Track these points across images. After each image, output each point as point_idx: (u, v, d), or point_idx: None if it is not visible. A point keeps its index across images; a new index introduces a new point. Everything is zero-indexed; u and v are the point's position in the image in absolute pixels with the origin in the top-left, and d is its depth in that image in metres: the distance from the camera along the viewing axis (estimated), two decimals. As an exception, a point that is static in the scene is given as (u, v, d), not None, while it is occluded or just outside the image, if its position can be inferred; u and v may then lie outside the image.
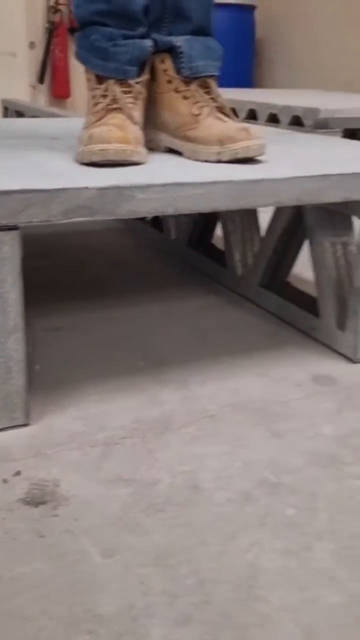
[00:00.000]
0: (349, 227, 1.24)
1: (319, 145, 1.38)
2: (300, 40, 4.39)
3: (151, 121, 1.22)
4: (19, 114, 3.27)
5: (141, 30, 1.14)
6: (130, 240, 1.93)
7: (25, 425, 0.96)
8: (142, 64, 1.15)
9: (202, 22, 1.18)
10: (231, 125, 1.12)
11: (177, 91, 1.18)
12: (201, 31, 1.18)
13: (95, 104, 1.13)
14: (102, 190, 0.90)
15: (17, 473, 0.85)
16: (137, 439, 0.94)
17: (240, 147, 1.09)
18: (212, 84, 1.18)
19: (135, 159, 1.04)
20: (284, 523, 0.78)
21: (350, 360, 1.19)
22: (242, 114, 2.66)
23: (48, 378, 1.10)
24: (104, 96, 1.13)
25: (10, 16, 4.62)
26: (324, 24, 4.19)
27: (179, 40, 1.16)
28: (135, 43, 1.13)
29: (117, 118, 1.09)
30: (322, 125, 2.33)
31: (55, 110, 2.99)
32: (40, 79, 4.81)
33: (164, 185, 0.93)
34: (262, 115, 2.56)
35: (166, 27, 1.17)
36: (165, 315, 1.39)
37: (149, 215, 0.94)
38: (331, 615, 0.65)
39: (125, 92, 1.13)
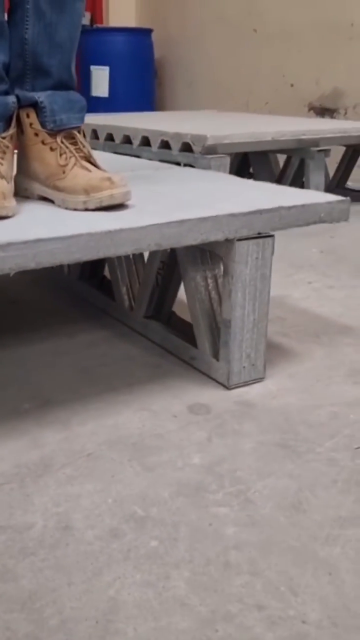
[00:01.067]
0: (218, 260, 1.32)
1: (188, 183, 1.46)
2: (198, 61, 4.53)
3: (24, 171, 1.28)
4: None
5: (3, 86, 1.19)
6: (25, 275, 1.96)
7: None
8: (8, 119, 1.20)
9: (63, 77, 1.24)
10: (96, 175, 1.18)
11: (44, 143, 1.23)
12: (62, 85, 1.24)
13: None
14: None
15: None
16: (15, 484, 0.98)
17: (104, 196, 1.16)
18: (77, 134, 1.24)
19: (2, 214, 1.09)
20: (146, 555, 0.84)
21: (226, 387, 1.27)
22: (136, 141, 2.74)
23: None
24: (-29, 152, 1.17)
25: None
26: (220, 45, 4.34)
27: (40, 96, 1.22)
28: (-3, 100, 1.18)
29: (-16, 174, 1.14)
30: (211, 151, 2.43)
31: None
32: None
33: (25, 242, 0.98)
34: (155, 142, 2.65)
35: (28, 82, 1.23)
36: (54, 354, 1.44)
37: (12, 272, 0.99)
38: (180, 640, 0.72)
39: (-8, 148, 1.18)
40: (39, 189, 1.26)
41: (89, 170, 1.20)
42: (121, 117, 3.33)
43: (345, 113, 3.67)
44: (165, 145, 2.62)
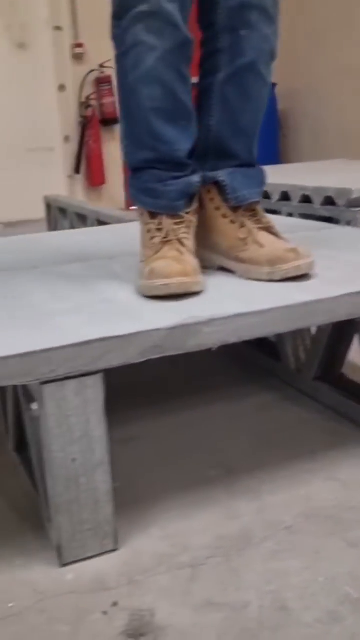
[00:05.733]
0: None
1: (356, 245, 1.45)
2: (325, 111, 4.55)
3: (203, 243, 1.31)
4: (61, 211, 3.46)
5: (189, 170, 1.24)
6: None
7: (114, 550, 1.02)
8: (191, 197, 1.25)
9: (245, 158, 1.28)
10: (279, 246, 1.20)
11: (224, 217, 1.27)
12: (244, 165, 1.28)
13: (152, 238, 1.22)
14: (171, 329, 0.98)
15: (115, 604, 0.91)
16: (220, 558, 0.99)
17: (290, 267, 1.17)
18: (257, 207, 1.27)
19: (195, 289, 1.13)
20: (373, 643, 0.81)
21: None
22: (276, 196, 2.77)
23: (127, 495, 1.16)
24: (159, 229, 1.22)
25: (46, 115, 4.93)
26: (346, 94, 4.34)
27: (222, 175, 1.26)
28: (183, 181, 1.23)
29: (174, 250, 1.18)
30: (356, 203, 2.42)
31: (97, 208, 3.14)
32: (77, 170, 5.07)
33: (227, 317, 1.01)
34: (295, 197, 2.67)
35: (210, 163, 1.27)
36: (227, 417, 1.46)
37: (215, 347, 1.02)
38: None
39: (178, 224, 1.23)
40: (218, 260, 1.30)
41: (271, 242, 1.22)
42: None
43: None
44: (306, 199, 2.63)
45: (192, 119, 1.23)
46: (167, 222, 1.22)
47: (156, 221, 1.23)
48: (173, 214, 1.23)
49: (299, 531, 1.04)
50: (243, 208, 1.26)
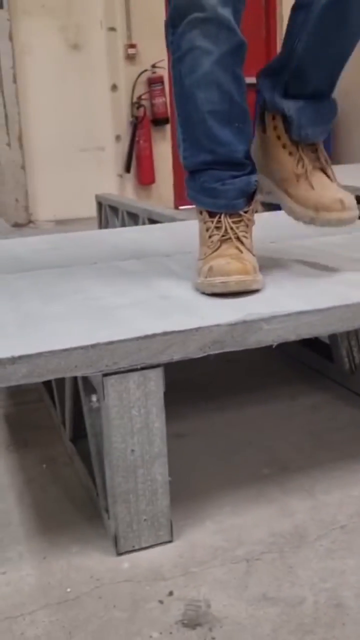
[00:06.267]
0: None
1: None
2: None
3: (260, 167, 1.29)
4: (112, 209, 3.50)
5: (247, 169, 1.25)
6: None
7: (169, 541, 1.04)
8: (250, 196, 1.26)
9: (320, 88, 1.24)
10: (329, 194, 1.20)
11: (284, 147, 1.26)
12: (316, 95, 1.24)
13: (210, 236, 1.23)
14: (232, 325, 0.99)
15: (170, 593, 0.93)
16: (275, 554, 1.00)
17: (333, 218, 1.18)
18: (319, 145, 1.25)
19: (254, 287, 1.14)
20: None
21: None
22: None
23: (182, 490, 1.17)
24: (218, 228, 1.23)
25: (98, 114, 5.00)
26: None
27: (291, 109, 1.23)
28: (242, 180, 1.24)
29: (233, 248, 1.19)
30: None
31: (149, 206, 3.17)
32: (127, 169, 5.12)
33: (288, 314, 1.02)
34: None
35: (282, 84, 1.23)
36: (278, 416, 1.46)
37: (274, 343, 1.02)
38: None
39: (236, 222, 1.23)
40: (269, 186, 1.29)
41: (323, 186, 1.21)
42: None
43: None
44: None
45: (247, 120, 1.22)
46: (225, 221, 1.23)
47: (215, 219, 1.24)
48: (232, 212, 1.24)
49: (353, 531, 1.04)
50: (305, 144, 1.24)
